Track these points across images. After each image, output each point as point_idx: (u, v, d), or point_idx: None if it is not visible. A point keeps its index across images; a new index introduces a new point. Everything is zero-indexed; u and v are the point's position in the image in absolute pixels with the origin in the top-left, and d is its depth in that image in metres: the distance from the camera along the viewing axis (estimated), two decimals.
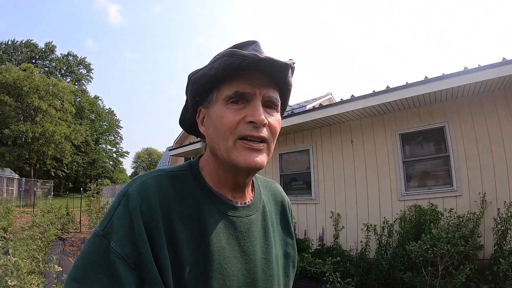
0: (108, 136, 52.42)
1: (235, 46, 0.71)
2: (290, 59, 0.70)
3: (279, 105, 0.72)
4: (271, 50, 0.68)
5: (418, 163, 5.43)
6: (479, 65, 4.30)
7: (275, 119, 0.70)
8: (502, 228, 3.97)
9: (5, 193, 21.15)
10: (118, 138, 54.11)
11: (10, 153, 29.19)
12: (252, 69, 0.65)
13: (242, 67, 0.64)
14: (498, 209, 4.21)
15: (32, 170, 31.66)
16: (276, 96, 0.70)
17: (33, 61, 43.23)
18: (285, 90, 0.74)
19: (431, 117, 5.18)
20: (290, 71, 0.70)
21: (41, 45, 44.58)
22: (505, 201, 4.17)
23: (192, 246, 0.63)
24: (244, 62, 0.63)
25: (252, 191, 0.80)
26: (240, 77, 0.66)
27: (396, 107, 5.39)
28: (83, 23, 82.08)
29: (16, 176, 26.10)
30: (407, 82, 5.05)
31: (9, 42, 42.12)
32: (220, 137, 0.66)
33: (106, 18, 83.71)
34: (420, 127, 5.33)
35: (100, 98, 51.26)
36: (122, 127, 53.87)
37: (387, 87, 5.40)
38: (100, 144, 50.26)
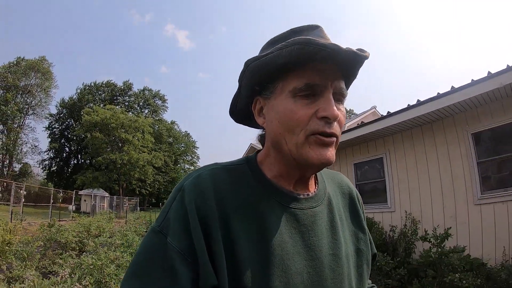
0: (185, 157, 57.07)
1: (294, 31, 0.66)
2: (365, 51, 0.63)
3: (346, 97, 0.67)
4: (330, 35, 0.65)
5: (495, 162, 4.99)
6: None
7: (343, 113, 0.65)
8: None
9: (97, 208, 25.17)
10: (195, 157, 58.40)
11: (103, 176, 35.55)
12: (329, 60, 0.59)
13: (319, 58, 0.58)
14: None
15: (120, 189, 37.52)
16: (344, 87, 0.65)
17: (114, 98, 49.19)
18: (350, 82, 0.70)
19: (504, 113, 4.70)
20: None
21: (120, 83, 50.65)
22: None
23: (250, 240, 0.59)
24: (322, 52, 0.57)
25: (315, 183, 0.75)
26: (310, 67, 0.60)
27: (467, 106, 5.05)
28: (155, 52, 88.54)
29: (107, 194, 31.28)
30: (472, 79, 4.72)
31: (92, 84, 48.52)
32: (288, 131, 0.62)
33: (176, 44, 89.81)
34: (493, 124, 4.90)
35: (176, 122, 55.70)
36: (198, 147, 57.84)
37: (452, 87, 5.06)
38: (178, 164, 54.83)
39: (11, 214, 13.30)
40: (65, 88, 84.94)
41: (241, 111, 0.76)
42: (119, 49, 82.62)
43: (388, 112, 6.26)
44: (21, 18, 63.84)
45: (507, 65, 4.24)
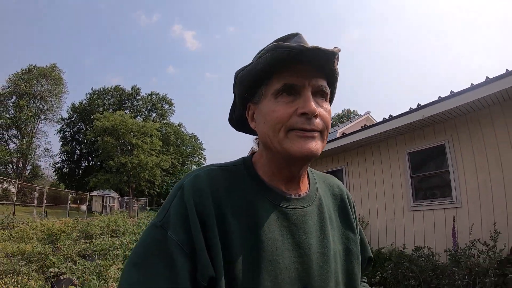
0: (193, 158, 58.44)
1: (278, 40, 0.72)
2: (336, 47, 0.67)
3: (329, 94, 0.71)
4: (313, 42, 0.67)
5: (424, 178, 5.93)
6: None
7: (326, 109, 0.68)
8: None
9: (108, 208, 27.04)
10: (202, 158, 59.66)
11: (114, 178, 37.63)
12: (298, 60, 0.64)
13: (289, 59, 0.64)
14: None
15: (130, 190, 39.44)
16: (324, 84, 0.69)
17: (123, 102, 50.86)
18: (332, 79, 0.73)
19: None
20: (336, 59, 0.68)
21: (127, 84, 52.47)
22: None
23: (243, 237, 0.62)
24: (290, 53, 0.62)
25: (308, 185, 0.78)
26: (287, 70, 0.65)
27: (406, 129, 5.95)
28: (162, 52, 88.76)
29: (117, 195, 34.06)
30: None
31: (101, 89, 50.24)
32: (271, 130, 0.66)
33: (183, 44, 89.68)
34: (425, 146, 5.87)
35: (183, 124, 56.93)
36: (205, 149, 59.07)
37: (390, 115, 6.05)
38: (186, 165, 56.19)
39: (35, 214, 14.92)
40: (73, 89, 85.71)
41: (238, 120, 0.81)
42: (126, 50, 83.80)
43: (344, 133, 7.38)
44: (28, 23, 65.95)
45: (423, 103, 5.33)
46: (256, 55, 0.72)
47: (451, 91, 5.22)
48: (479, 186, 5.08)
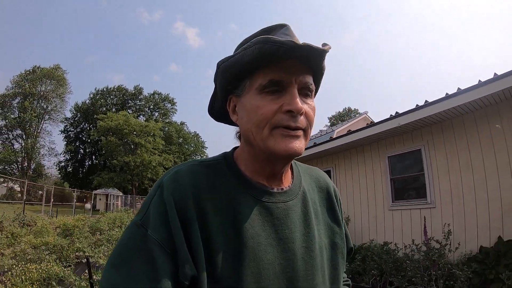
0: (195, 157, 58.92)
1: (264, 30, 0.71)
2: (326, 45, 0.66)
3: (314, 90, 0.70)
4: (298, 33, 0.67)
5: (402, 180, 6.45)
6: None
7: (310, 106, 0.67)
8: None
9: (112, 206, 27.74)
10: (205, 157, 60.15)
11: (118, 177, 38.38)
12: (288, 56, 0.62)
13: (278, 55, 0.61)
14: None
15: (133, 189, 40.44)
16: (311, 81, 0.68)
17: (126, 102, 51.34)
18: (319, 75, 0.72)
19: None
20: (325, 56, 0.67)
21: (129, 83, 52.97)
22: None
23: (225, 233, 0.62)
24: (280, 49, 0.60)
25: (291, 178, 0.77)
26: (274, 65, 0.63)
27: (386, 135, 6.45)
28: (165, 50, 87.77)
29: (120, 193, 34.79)
30: None
31: (104, 89, 50.63)
32: (254, 126, 0.65)
33: (185, 41, 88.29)
34: (404, 150, 6.36)
35: (185, 123, 57.28)
36: (207, 147, 59.56)
37: (368, 123, 6.73)
38: None
39: (43, 212, 15.64)
40: (75, 87, 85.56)
41: (219, 111, 0.80)
42: (129, 48, 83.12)
43: (347, 130, 7.84)
44: (29, 22, 65.99)
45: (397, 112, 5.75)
46: (240, 45, 0.71)
47: (446, 93, 5.58)
48: (451, 188, 5.52)
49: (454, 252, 4.83)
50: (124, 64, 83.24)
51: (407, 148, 6.31)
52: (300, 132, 0.66)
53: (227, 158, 0.74)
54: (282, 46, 0.60)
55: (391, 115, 6.30)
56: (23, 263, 3.89)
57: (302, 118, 0.65)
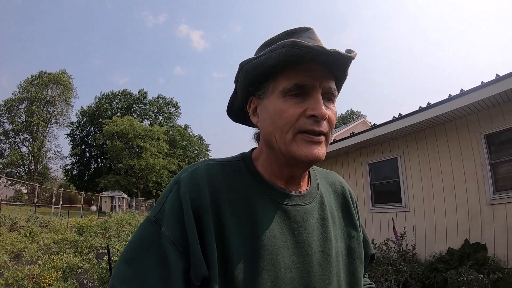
0: (199, 159, 59.56)
1: (288, 33, 0.70)
2: (352, 51, 0.66)
3: (336, 96, 0.69)
4: (321, 37, 0.67)
5: (382, 184, 6.96)
6: None
7: (333, 112, 0.67)
8: None
9: (117, 208, 28.60)
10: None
11: (123, 180, 39.56)
12: (315, 61, 0.62)
13: (306, 60, 0.61)
14: None
15: (138, 191, 41.32)
16: (334, 87, 0.67)
17: (130, 106, 52.16)
18: (342, 80, 0.72)
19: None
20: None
21: (134, 86, 53.58)
22: None
23: (242, 234, 0.61)
24: (308, 54, 0.60)
25: (308, 182, 0.77)
26: (299, 69, 0.63)
27: (369, 143, 6.86)
28: (169, 53, 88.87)
29: (125, 196, 35.89)
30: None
31: (110, 94, 51.54)
32: (277, 130, 0.64)
33: (190, 44, 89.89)
34: (383, 158, 6.85)
35: (189, 126, 57.93)
36: (211, 150, 59.99)
37: (350, 133, 7.11)
38: None
39: (52, 214, 16.56)
40: (80, 89, 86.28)
41: (238, 111, 0.80)
42: (133, 51, 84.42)
43: (347, 134, 8.30)
44: (32, 26, 67.04)
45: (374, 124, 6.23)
46: (263, 46, 0.71)
47: (420, 106, 6.05)
48: (423, 194, 5.99)
49: (413, 251, 5.29)
50: (129, 68, 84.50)
51: (385, 156, 6.80)
52: (323, 138, 0.65)
53: (245, 159, 0.73)
54: (311, 51, 0.60)
55: (374, 124, 6.79)
56: (47, 255, 4.76)
57: (325, 123, 0.65)
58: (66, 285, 3.54)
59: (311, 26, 0.70)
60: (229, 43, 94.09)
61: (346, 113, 56.45)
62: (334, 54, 0.61)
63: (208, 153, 60.07)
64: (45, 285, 3.46)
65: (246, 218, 0.63)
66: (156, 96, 54.37)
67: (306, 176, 0.77)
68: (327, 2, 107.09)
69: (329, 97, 0.67)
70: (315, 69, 0.63)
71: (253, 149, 0.77)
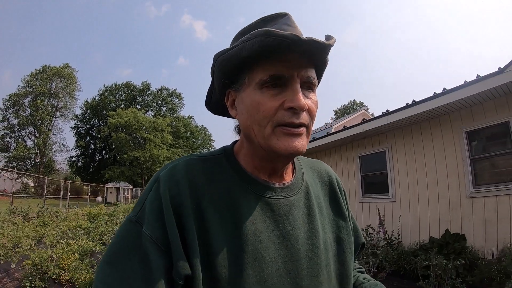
0: (202, 150, 60.08)
1: (263, 20, 0.67)
2: (331, 38, 0.63)
3: (317, 84, 0.66)
4: (305, 24, 0.86)
5: (370, 176, 7.36)
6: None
7: (312, 101, 0.64)
8: None
9: (122, 199, 29.46)
10: (205, 151, 61.37)
11: (128, 171, 40.62)
12: (291, 51, 0.59)
13: (280, 50, 0.58)
14: None
15: (143, 182, 42.39)
16: (313, 75, 0.64)
17: (134, 98, 52.58)
18: (322, 68, 0.70)
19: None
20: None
21: (137, 77, 53.78)
22: None
23: (224, 230, 0.60)
24: (283, 44, 0.57)
25: (293, 173, 0.75)
26: (275, 59, 0.60)
27: (357, 136, 7.19)
28: (172, 43, 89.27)
29: (130, 186, 37.08)
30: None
31: (113, 86, 52.00)
32: (255, 123, 0.62)
33: (193, 34, 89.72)
34: (371, 151, 7.22)
35: (193, 117, 58.29)
36: (214, 140, 60.26)
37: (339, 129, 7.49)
38: None
39: (61, 205, 17.45)
40: (84, 82, 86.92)
41: (217, 104, 0.77)
42: (136, 42, 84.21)
43: (344, 126, 8.83)
44: (34, 19, 67.20)
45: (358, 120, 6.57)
46: (238, 36, 0.68)
47: (406, 103, 6.42)
48: (408, 186, 6.37)
49: (398, 239, 5.71)
50: (132, 59, 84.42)
51: (374, 150, 7.18)
52: (303, 129, 0.63)
53: (227, 152, 0.71)
54: (285, 40, 0.56)
55: (363, 119, 7.16)
56: (65, 240, 5.37)
57: (304, 114, 0.62)
58: (84, 264, 4.06)
59: (287, 12, 0.67)
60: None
61: (349, 104, 56.48)
62: (310, 42, 0.58)
63: (211, 143, 60.45)
64: (64, 265, 3.97)
65: (228, 213, 0.62)
66: (160, 88, 54.78)
67: (290, 167, 0.75)
68: None
69: (309, 86, 0.65)
70: (291, 58, 0.61)
71: (235, 142, 0.76)
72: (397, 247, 5.87)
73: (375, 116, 6.71)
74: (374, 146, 7.21)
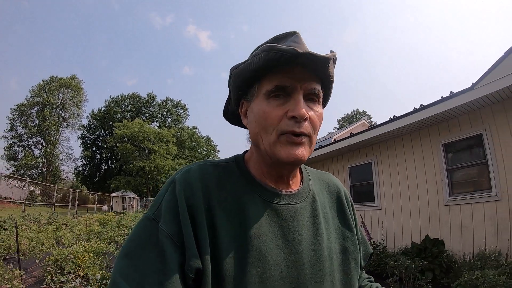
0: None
1: (275, 38, 0.73)
2: (331, 51, 0.69)
3: (321, 97, 0.71)
4: (311, 36, 0.97)
5: (359, 185, 7.90)
6: None
7: (316, 113, 0.69)
8: None
9: (128, 208, 30.09)
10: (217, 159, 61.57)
11: (134, 181, 41.36)
12: (291, 63, 0.64)
13: (281, 62, 0.64)
14: None
15: (148, 191, 43.15)
16: (317, 87, 0.69)
17: (140, 109, 53.58)
18: (326, 82, 0.73)
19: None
20: (331, 63, 0.68)
21: (142, 87, 54.21)
22: None
23: (231, 231, 0.63)
24: (283, 57, 0.63)
25: (300, 182, 0.79)
26: (280, 71, 0.66)
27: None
28: (177, 53, 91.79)
29: (136, 196, 37.67)
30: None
31: (119, 97, 53.12)
32: (263, 131, 0.67)
33: (198, 44, 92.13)
34: (359, 163, 7.79)
35: (197, 128, 58.71)
36: (219, 151, 60.35)
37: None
38: None
39: (69, 213, 18.32)
40: (90, 92, 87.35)
41: (232, 114, 0.83)
42: (142, 52, 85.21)
43: (347, 135, 9.27)
44: (41, 27, 68.57)
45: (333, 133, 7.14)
46: (254, 51, 0.73)
47: (390, 117, 6.94)
48: (392, 195, 6.90)
49: (383, 245, 6.24)
50: (137, 69, 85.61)
51: (362, 161, 7.76)
52: (305, 139, 0.66)
53: (238, 160, 0.76)
54: (285, 54, 0.62)
55: (351, 133, 7.72)
56: (80, 242, 6.08)
57: (306, 124, 0.66)
58: (99, 260, 4.65)
59: (297, 31, 0.73)
60: (237, 43, 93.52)
61: (352, 113, 56.92)
62: (307, 55, 0.63)
63: (216, 153, 60.69)
64: (80, 263, 4.53)
65: (236, 215, 0.65)
66: (165, 99, 55.71)
67: (298, 176, 0.79)
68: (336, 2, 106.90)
69: (312, 98, 0.69)
70: (295, 71, 0.66)
71: (246, 151, 0.80)
72: (381, 252, 6.32)
73: (357, 132, 7.33)
74: (362, 157, 7.78)
